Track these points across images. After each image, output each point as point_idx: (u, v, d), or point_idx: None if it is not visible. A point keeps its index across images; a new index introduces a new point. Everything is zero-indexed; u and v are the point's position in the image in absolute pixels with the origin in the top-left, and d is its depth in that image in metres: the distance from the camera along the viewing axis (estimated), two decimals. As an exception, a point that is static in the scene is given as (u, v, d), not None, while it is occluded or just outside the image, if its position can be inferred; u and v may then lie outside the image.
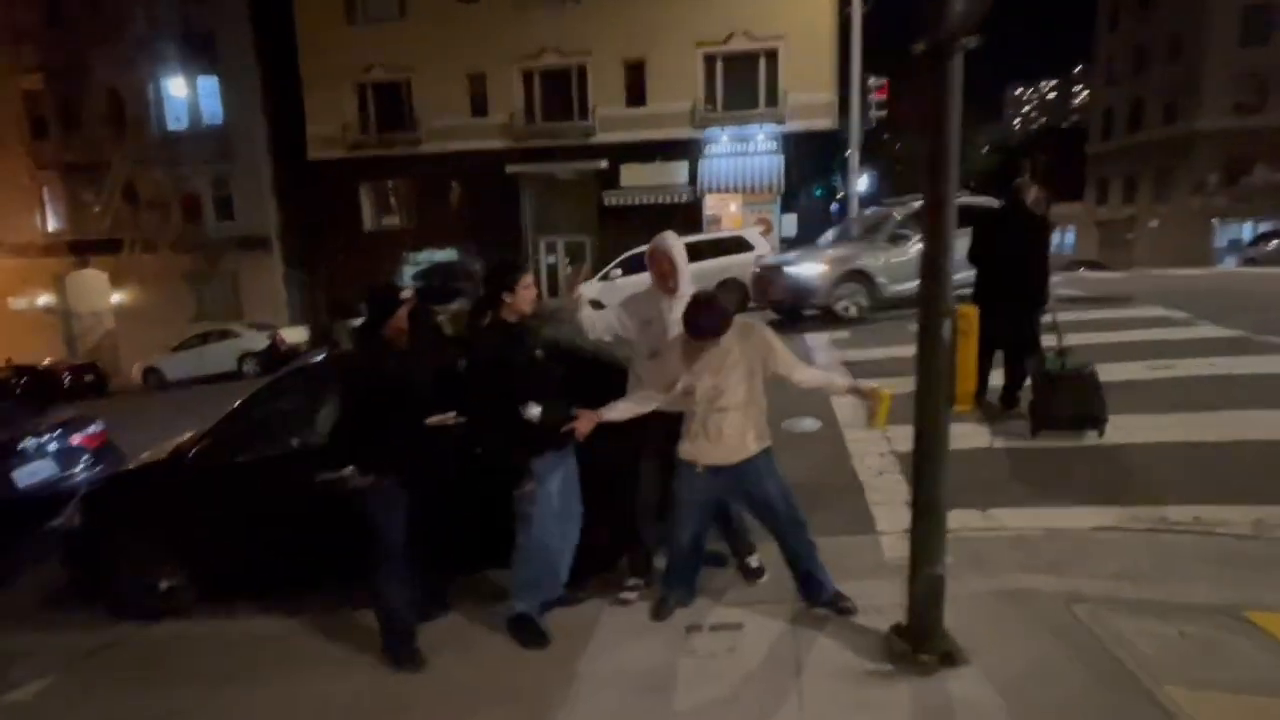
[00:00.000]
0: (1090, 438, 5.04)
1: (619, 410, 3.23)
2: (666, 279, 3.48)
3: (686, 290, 3.45)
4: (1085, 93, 77.65)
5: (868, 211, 13.46)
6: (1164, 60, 33.01)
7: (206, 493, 4.16)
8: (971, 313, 2.52)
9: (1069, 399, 4.98)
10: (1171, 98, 32.53)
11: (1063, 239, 42.44)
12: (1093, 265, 27.56)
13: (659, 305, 3.49)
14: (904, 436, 5.23)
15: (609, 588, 3.66)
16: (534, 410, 3.18)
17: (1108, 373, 6.30)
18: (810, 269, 10.64)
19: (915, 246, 10.59)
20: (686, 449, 3.20)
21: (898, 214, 11.12)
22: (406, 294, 3.37)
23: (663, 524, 3.61)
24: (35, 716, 3.37)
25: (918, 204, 11.49)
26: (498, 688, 3.07)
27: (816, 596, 3.23)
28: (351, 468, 3.27)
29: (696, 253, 13.84)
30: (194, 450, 4.25)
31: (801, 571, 3.23)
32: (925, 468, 2.60)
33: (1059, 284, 13.54)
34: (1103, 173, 38.30)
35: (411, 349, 3.37)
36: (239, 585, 4.32)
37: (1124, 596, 3.12)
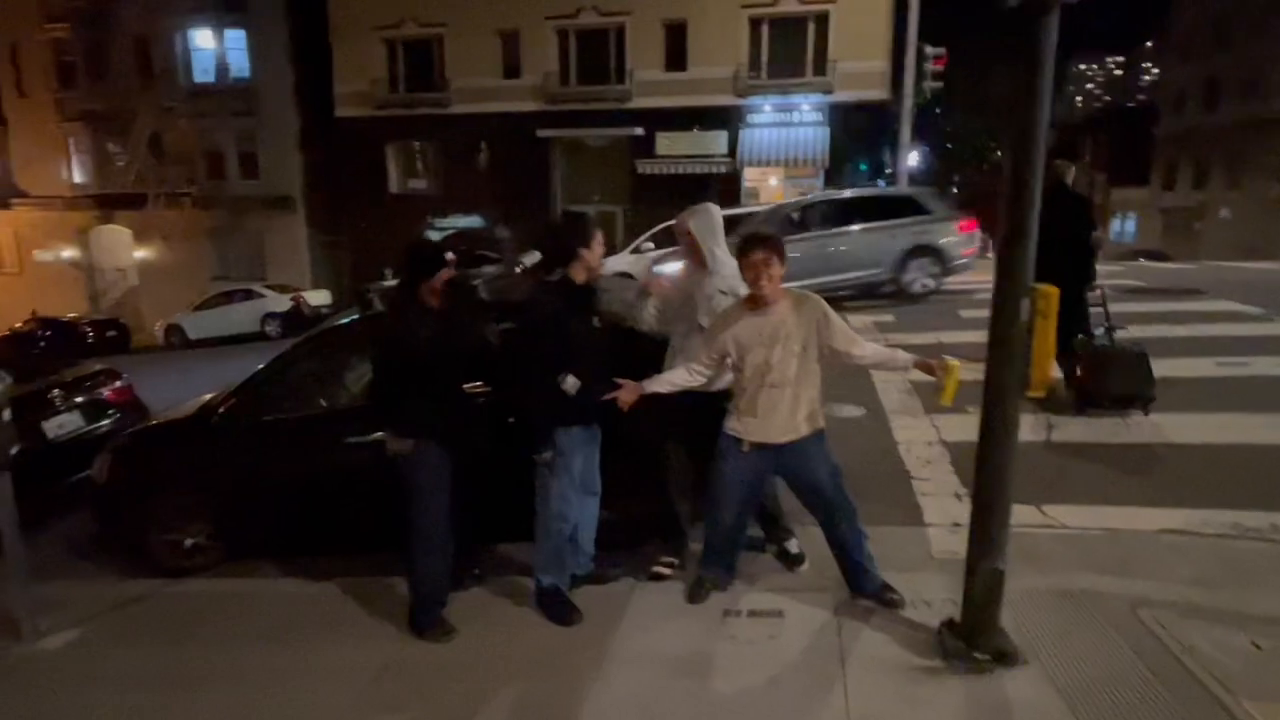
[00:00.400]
0: (1149, 434, 4.92)
1: (662, 383, 3.19)
2: (693, 255, 3.46)
3: (726, 262, 3.41)
4: (1156, 70, 74.88)
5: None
6: (1247, 34, 31.59)
7: (233, 451, 4.23)
8: (1052, 292, 2.42)
9: (1117, 377, 5.10)
10: (1253, 76, 31.17)
11: (1123, 227, 41.25)
12: (1154, 256, 26.78)
13: (696, 280, 3.45)
14: (953, 425, 5.25)
15: (641, 566, 3.65)
16: (570, 382, 3.16)
17: (1174, 368, 6.16)
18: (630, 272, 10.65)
19: None
20: (733, 424, 3.14)
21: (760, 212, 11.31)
22: (451, 257, 3.30)
23: (695, 502, 3.61)
24: (60, 668, 3.47)
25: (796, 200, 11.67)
26: (528, 663, 3.09)
27: (862, 587, 3.19)
28: (389, 433, 3.27)
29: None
30: (222, 407, 4.31)
31: (848, 560, 3.18)
32: (992, 454, 2.53)
33: (1121, 273, 13.27)
34: (1171, 156, 36.98)
35: (448, 311, 3.34)
36: (265, 546, 4.40)
37: (1193, 603, 3.04)
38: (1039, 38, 2.25)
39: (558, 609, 3.36)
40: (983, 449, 2.56)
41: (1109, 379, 5.12)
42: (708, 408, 3.45)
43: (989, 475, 2.55)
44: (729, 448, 3.15)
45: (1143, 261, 22.37)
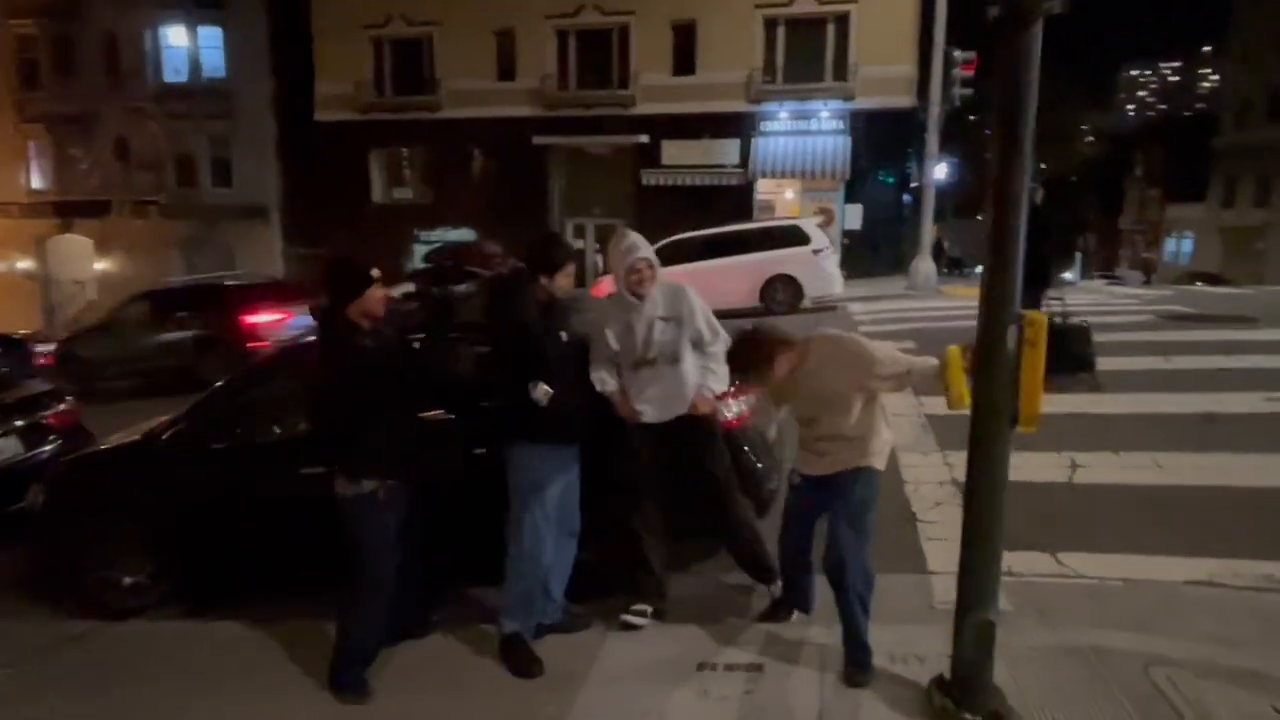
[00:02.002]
0: (1187, 475, 4.94)
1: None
2: (644, 284, 3.51)
3: (655, 294, 3.53)
4: (1215, 77, 75.49)
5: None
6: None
7: (178, 481, 4.28)
8: (1041, 320, 2.48)
9: (1067, 347, 6.94)
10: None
11: (1179, 247, 41.28)
12: (1212, 279, 26.82)
13: (629, 314, 3.54)
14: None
15: (610, 613, 3.69)
16: (541, 390, 3.25)
17: (1219, 403, 6.22)
18: None
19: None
20: (797, 456, 3.42)
21: None
22: (376, 273, 3.32)
23: (671, 543, 3.70)
24: (-17, 712, 3.52)
25: None
26: (484, 718, 3.12)
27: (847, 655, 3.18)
28: (338, 475, 3.29)
29: (744, 243, 13.87)
30: (167, 434, 4.38)
31: (842, 622, 3.17)
32: (979, 495, 2.58)
33: (1170, 299, 13.34)
34: (1231, 171, 37.10)
35: (381, 333, 3.37)
36: (212, 586, 4.45)
37: (1214, 663, 3.04)
38: (1022, 49, 2.34)
39: (520, 660, 3.39)
40: (970, 488, 2.61)
41: (1062, 350, 6.83)
42: (686, 442, 3.53)
43: (977, 517, 2.60)
44: (792, 477, 3.44)
45: (1199, 285, 22.41)
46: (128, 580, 4.40)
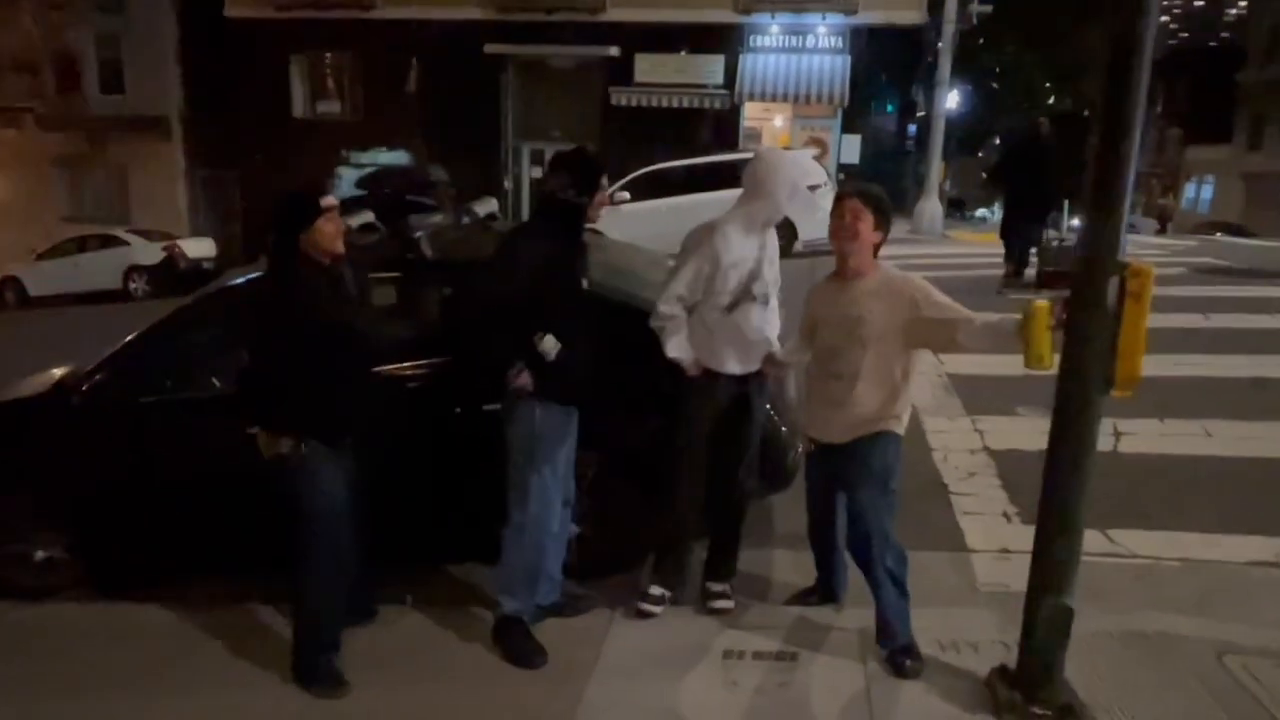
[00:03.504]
0: (1240, 446, 5.08)
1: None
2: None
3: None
4: (1243, 3, 76.61)
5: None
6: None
7: (98, 441, 4.13)
8: (1147, 271, 2.45)
9: (1063, 263, 8.61)
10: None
11: (1198, 193, 42.12)
12: (1234, 229, 27.49)
13: (756, 242, 3.47)
14: (1000, 430, 5.36)
15: (615, 593, 3.69)
16: (550, 344, 3.19)
17: (1266, 366, 6.35)
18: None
19: None
20: (803, 416, 3.42)
21: None
22: (329, 201, 3.18)
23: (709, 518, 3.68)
24: None
25: None
26: (477, 716, 3.08)
27: (880, 641, 3.21)
28: (263, 431, 3.18)
29: (733, 175, 13.71)
30: (85, 385, 4.20)
31: (876, 606, 3.21)
32: (1064, 466, 2.57)
33: (1197, 249, 13.64)
34: (1258, 109, 37.80)
35: (343, 271, 3.26)
36: (137, 563, 4.33)
37: (1291, 650, 3.14)
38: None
39: (519, 646, 3.35)
40: (1053, 460, 2.61)
41: (1059, 266, 8.82)
42: (738, 402, 3.50)
43: (1060, 491, 2.60)
44: (806, 444, 3.47)
45: (1220, 236, 22.96)
46: (40, 555, 4.26)
